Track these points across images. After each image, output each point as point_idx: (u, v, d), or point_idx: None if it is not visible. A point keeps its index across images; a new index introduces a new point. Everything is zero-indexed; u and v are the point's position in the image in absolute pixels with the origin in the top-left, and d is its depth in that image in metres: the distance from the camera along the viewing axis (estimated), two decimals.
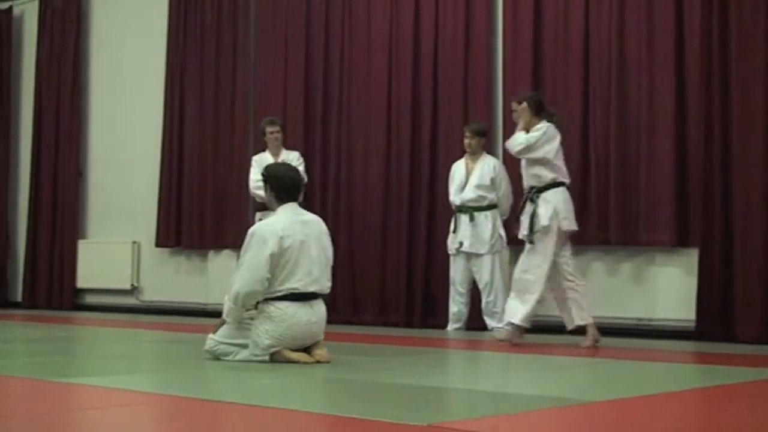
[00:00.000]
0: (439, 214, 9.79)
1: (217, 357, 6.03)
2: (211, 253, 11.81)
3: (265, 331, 5.86)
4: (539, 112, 7.85)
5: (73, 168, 13.48)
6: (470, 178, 9.19)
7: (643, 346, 7.82)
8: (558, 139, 7.72)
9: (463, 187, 9.22)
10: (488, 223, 9.08)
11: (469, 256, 9.14)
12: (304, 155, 10.38)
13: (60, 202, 13.54)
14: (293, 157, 9.66)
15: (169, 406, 4.26)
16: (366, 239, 10.36)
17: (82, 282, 13.19)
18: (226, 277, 10.50)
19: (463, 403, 4.57)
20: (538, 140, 7.64)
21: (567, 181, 7.78)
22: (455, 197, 9.27)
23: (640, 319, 8.85)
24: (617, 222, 8.86)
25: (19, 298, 13.94)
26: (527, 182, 7.79)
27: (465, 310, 9.24)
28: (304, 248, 5.95)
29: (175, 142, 12.21)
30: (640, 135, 8.83)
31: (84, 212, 13.48)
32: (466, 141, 9.22)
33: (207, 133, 11.89)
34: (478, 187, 9.11)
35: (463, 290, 9.22)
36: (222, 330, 6.06)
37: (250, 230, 6.13)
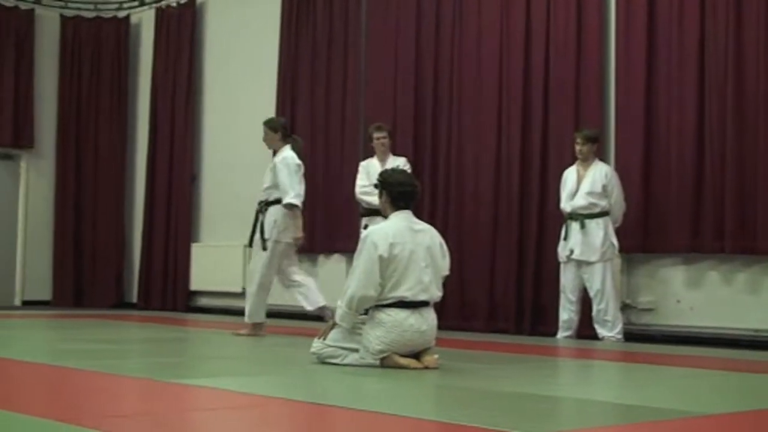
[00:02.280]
0: (549, 220, 9.70)
1: (323, 360, 6.07)
2: (321, 258, 11.90)
3: (376, 337, 5.87)
4: (285, 136, 9.05)
5: (187, 172, 13.75)
6: (581, 185, 9.08)
7: (761, 358, 7.62)
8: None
9: (574, 194, 9.12)
10: (599, 231, 8.95)
11: (580, 264, 9.03)
12: (414, 161, 10.39)
13: (174, 206, 13.82)
14: (400, 163, 9.64)
15: (280, 409, 4.30)
16: (475, 245, 10.31)
17: (195, 284, 13.42)
18: (336, 281, 10.59)
19: (575, 412, 4.52)
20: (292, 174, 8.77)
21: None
22: (566, 204, 9.17)
23: (757, 330, 8.62)
24: (733, 230, 8.64)
25: (135, 300, 14.26)
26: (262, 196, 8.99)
27: (575, 318, 9.13)
28: (414, 257, 5.94)
29: None
30: (758, 139, 8.59)
31: (197, 216, 13.72)
32: (578, 147, 9.12)
33: (317, 138, 11.99)
34: (590, 194, 9.00)
35: (573, 298, 9.11)
36: (331, 333, 6.09)
37: (363, 235, 6.16)
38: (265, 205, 8.95)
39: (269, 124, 9.17)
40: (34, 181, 14.62)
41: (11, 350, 7.21)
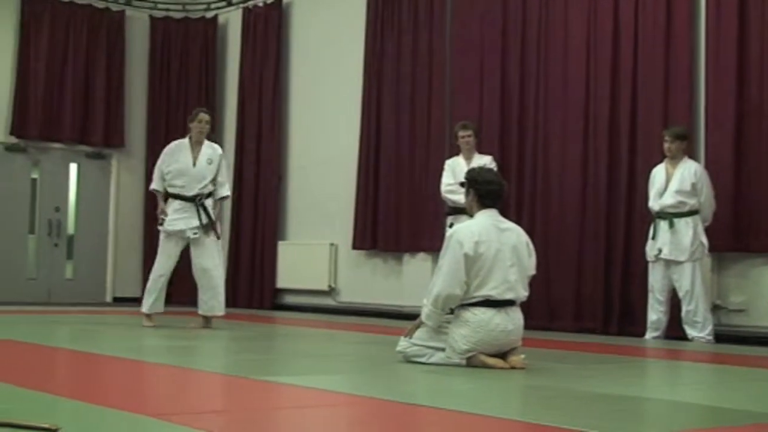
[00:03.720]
0: (637, 219, 9.58)
1: (409, 359, 6.07)
2: (406, 256, 11.90)
3: (462, 336, 5.86)
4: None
5: (273, 171, 13.87)
6: (670, 183, 8.95)
7: None
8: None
9: (662, 193, 8.99)
10: (689, 230, 8.81)
11: (669, 264, 8.90)
12: (500, 159, 10.34)
13: (261, 205, 13.96)
14: (486, 161, 9.59)
15: (367, 408, 4.31)
16: (562, 244, 10.23)
17: (281, 282, 13.54)
18: (422, 280, 10.58)
19: (662, 415, 4.45)
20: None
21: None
22: (654, 203, 9.05)
23: None
24: None
25: None
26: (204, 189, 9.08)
27: (664, 319, 9.01)
28: (499, 256, 5.92)
29: (371, 146, 12.38)
30: None
31: (284, 215, 13.84)
32: (666, 145, 8.99)
33: (403, 137, 12.00)
34: (678, 192, 8.86)
35: (662, 298, 8.99)
36: (417, 332, 6.09)
37: (448, 233, 6.15)
38: (205, 197, 9.05)
39: (209, 114, 9.37)
40: (125, 179, 14.90)
41: (102, 346, 7.35)
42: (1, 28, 14.05)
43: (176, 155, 9.12)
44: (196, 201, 9.00)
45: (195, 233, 9.01)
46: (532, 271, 6.19)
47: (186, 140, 9.19)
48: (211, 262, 9.08)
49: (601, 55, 10.13)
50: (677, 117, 9.44)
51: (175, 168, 9.06)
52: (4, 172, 14.07)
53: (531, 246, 6.20)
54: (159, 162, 9.23)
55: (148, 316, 9.18)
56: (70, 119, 14.25)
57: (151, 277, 9.25)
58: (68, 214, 14.58)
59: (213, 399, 4.69)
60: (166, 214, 9.01)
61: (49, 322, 9.95)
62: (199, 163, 9.04)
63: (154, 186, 9.25)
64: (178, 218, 9.00)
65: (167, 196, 9.07)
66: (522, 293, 6.03)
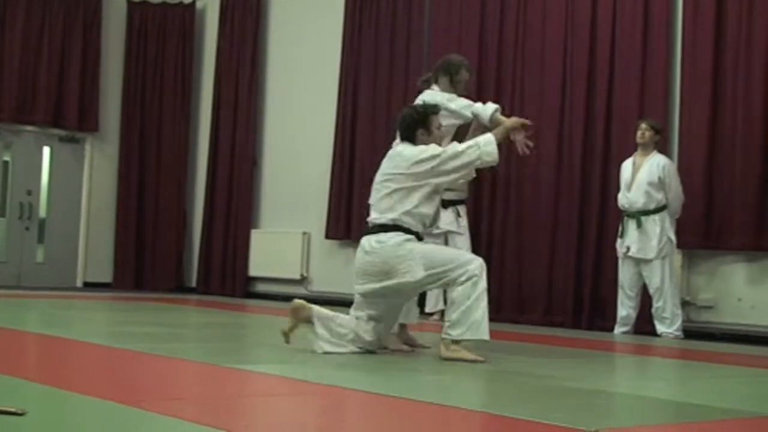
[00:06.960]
0: (610, 213, 9.62)
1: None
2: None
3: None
4: None
5: (248, 158, 13.85)
6: (637, 175, 8.98)
7: None
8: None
9: (629, 186, 9.03)
10: (656, 228, 8.85)
11: (638, 261, 8.94)
12: None
13: (235, 192, 13.93)
14: None
15: (336, 397, 4.31)
16: (534, 238, 10.27)
17: (253, 270, 13.52)
18: None
19: (631, 409, 4.48)
20: None
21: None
22: (622, 197, 9.09)
23: None
24: None
25: (194, 284, 14.40)
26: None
27: (633, 314, 9.06)
28: None
29: (347, 135, 12.37)
30: None
31: (257, 202, 13.82)
32: (639, 132, 9.01)
33: (379, 127, 12.00)
34: (646, 185, 8.88)
35: (632, 294, 9.04)
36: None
37: None
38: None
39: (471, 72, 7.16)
40: (98, 164, 14.82)
41: (72, 331, 7.31)
42: None
43: None
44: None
45: None
46: None
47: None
48: None
49: (577, 48, 10.16)
50: (652, 114, 9.48)
51: None
52: None
53: None
54: None
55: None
56: (44, 102, 14.15)
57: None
58: (40, 197, 14.49)
59: (183, 386, 4.68)
60: None
61: (18, 305, 9.89)
62: None
63: None
64: None
65: None
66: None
